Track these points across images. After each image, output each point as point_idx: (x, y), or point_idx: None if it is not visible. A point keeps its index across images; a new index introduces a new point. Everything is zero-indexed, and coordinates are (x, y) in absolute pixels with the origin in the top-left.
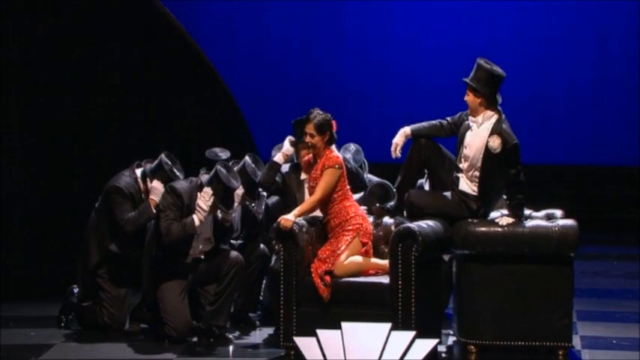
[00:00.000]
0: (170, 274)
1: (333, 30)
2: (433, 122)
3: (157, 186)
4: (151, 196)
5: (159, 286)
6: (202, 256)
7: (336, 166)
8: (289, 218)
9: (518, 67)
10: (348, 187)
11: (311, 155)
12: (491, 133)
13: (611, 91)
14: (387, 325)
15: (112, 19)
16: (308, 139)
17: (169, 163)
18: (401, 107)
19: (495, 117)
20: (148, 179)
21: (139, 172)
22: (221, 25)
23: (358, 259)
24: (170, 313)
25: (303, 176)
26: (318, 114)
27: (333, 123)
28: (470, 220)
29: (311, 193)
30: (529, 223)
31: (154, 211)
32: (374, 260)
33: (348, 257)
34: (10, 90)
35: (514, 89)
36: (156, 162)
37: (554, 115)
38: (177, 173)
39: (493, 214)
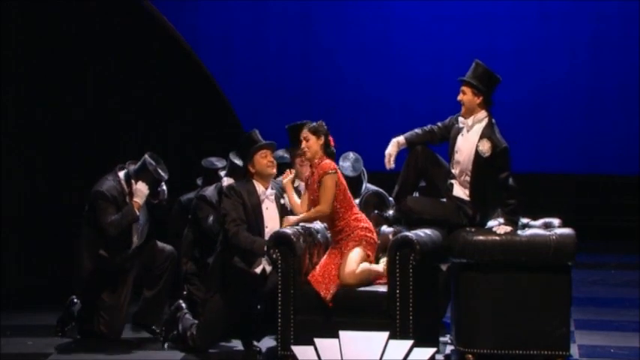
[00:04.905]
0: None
1: (331, 39)
2: (425, 128)
3: (140, 188)
4: (135, 199)
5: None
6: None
7: (330, 171)
8: (292, 218)
9: (515, 74)
10: (349, 195)
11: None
12: (481, 137)
13: (609, 99)
14: (385, 334)
15: (109, 24)
16: (304, 144)
17: (153, 163)
18: (399, 116)
19: (486, 120)
20: (133, 180)
21: (121, 174)
22: (219, 32)
23: (366, 265)
24: (210, 331)
25: (296, 183)
26: (310, 122)
27: (331, 139)
28: (467, 228)
29: (311, 207)
30: (527, 232)
31: (138, 213)
32: (378, 267)
33: (356, 264)
34: (8, 96)
35: (511, 97)
36: (140, 162)
37: (551, 123)
38: (162, 173)
39: (490, 223)
